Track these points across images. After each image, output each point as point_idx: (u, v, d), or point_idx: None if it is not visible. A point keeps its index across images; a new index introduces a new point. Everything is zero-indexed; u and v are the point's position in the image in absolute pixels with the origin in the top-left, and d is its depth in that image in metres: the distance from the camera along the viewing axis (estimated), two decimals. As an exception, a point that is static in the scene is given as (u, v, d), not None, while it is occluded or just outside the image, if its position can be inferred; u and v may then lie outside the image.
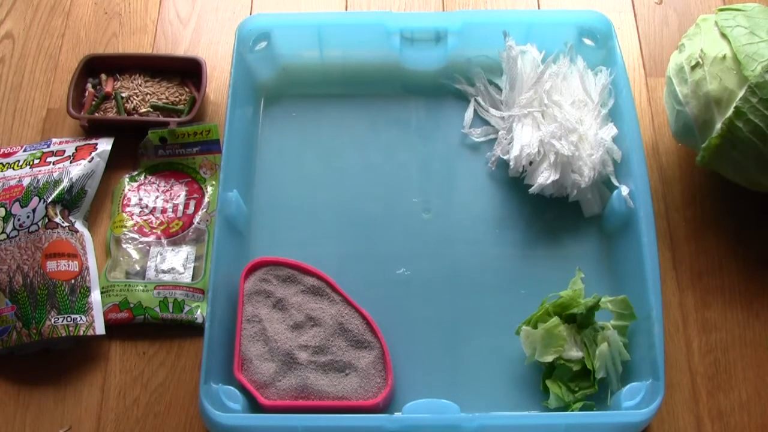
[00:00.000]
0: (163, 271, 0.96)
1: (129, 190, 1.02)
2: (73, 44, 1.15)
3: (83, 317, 0.91)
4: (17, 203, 0.97)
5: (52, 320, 0.90)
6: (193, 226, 0.99)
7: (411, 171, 1.02)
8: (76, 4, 1.19)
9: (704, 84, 0.90)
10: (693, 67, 0.92)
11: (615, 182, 0.95)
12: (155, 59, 1.10)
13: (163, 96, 1.06)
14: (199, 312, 0.93)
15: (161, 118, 1.05)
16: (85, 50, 1.15)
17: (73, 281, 0.93)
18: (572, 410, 0.84)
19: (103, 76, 1.08)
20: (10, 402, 0.90)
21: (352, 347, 0.89)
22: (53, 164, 1.00)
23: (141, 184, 1.02)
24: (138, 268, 0.96)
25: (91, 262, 0.95)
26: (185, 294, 0.94)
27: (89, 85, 1.08)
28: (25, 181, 0.99)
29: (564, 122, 0.96)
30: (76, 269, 0.94)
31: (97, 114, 1.06)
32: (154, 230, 0.98)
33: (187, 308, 0.93)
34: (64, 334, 0.90)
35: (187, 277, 0.96)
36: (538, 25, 1.06)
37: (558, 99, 0.98)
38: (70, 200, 0.98)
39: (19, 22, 1.18)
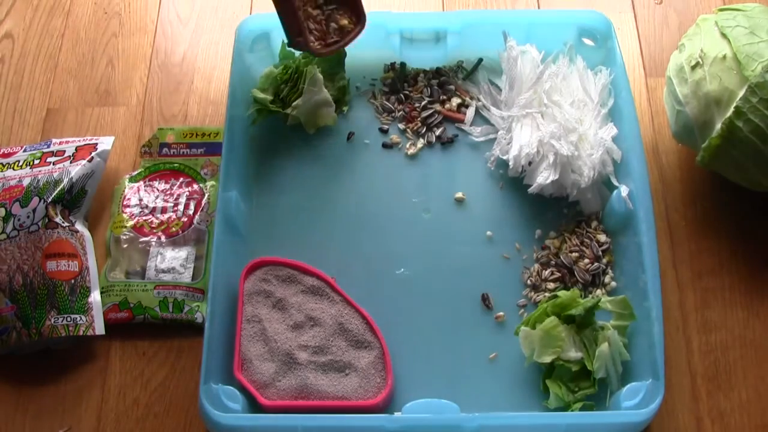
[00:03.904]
0: (163, 271, 0.96)
1: (129, 190, 1.02)
2: (73, 44, 1.16)
3: (83, 317, 0.91)
4: (17, 203, 0.97)
5: (52, 320, 0.90)
6: (193, 226, 0.99)
7: (411, 171, 1.02)
8: (76, 4, 1.19)
9: (704, 84, 0.90)
10: (693, 67, 0.92)
11: (615, 182, 0.95)
12: None
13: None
14: (199, 312, 0.93)
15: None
16: (84, 50, 1.15)
17: (73, 281, 0.93)
18: (572, 410, 0.84)
19: None
20: (10, 402, 0.90)
21: (352, 347, 0.89)
22: (53, 164, 1.00)
23: (141, 184, 1.02)
24: (138, 268, 0.96)
25: (91, 262, 0.95)
26: (185, 294, 0.94)
27: None
28: (25, 181, 0.99)
29: (564, 122, 0.96)
30: (76, 269, 0.94)
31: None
32: (154, 230, 0.98)
33: (187, 308, 0.93)
34: (64, 334, 0.90)
35: (187, 277, 0.96)
36: (537, 25, 1.06)
37: (558, 99, 0.98)
38: (70, 200, 0.98)
39: (19, 22, 1.18)
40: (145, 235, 0.98)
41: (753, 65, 0.87)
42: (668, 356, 0.89)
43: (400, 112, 1.05)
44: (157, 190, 1.02)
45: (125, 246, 0.97)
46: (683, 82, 0.93)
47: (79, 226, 0.97)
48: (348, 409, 0.85)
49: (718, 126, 0.89)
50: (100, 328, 0.91)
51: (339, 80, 1.06)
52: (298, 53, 1.06)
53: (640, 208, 0.90)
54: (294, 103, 1.03)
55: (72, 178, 0.98)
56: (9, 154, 1.04)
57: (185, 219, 0.99)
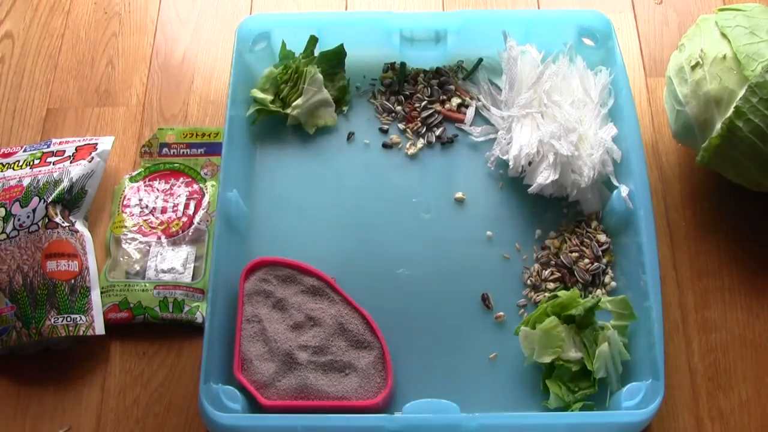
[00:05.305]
0: (163, 271, 0.96)
1: (129, 190, 1.02)
2: (73, 44, 1.16)
3: (83, 317, 0.91)
4: (17, 203, 0.97)
5: (52, 320, 0.90)
6: (194, 226, 0.99)
7: (411, 171, 1.02)
8: (76, 4, 1.19)
9: (704, 84, 0.90)
10: (693, 67, 0.92)
11: (615, 182, 0.95)
12: None
13: None
14: (199, 312, 0.93)
15: None
16: (84, 50, 1.15)
17: (73, 281, 0.93)
18: (572, 410, 0.84)
19: None
20: (10, 402, 0.90)
21: (352, 347, 0.89)
22: (53, 164, 1.00)
23: (141, 184, 1.02)
24: (138, 268, 0.96)
25: (91, 262, 0.95)
26: (185, 294, 0.94)
27: None
28: (25, 181, 0.99)
29: (564, 122, 0.96)
30: (76, 269, 0.94)
31: None
32: (154, 230, 0.98)
33: (187, 308, 0.93)
34: (63, 334, 0.90)
35: (187, 277, 0.96)
36: (537, 25, 1.06)
37: (558, 99, 0.98)
38: (70, 200, 0.98)
39: (19, 22, 1.18)
40: (145, 235, 0.98)
41: (753, 65, 0.87)
42: (668, 356, 0.89)
43: (400, 112, 1.06)
44: (157, 190, 1.02)
45: (125, 246, 0.97)
46: (683, 82, 0.93)
47: (79, 226, 0.97)
48: (348, 409, 0.85)
49: (718, 126, 0.89)
50: (100, 328, 0.91)
51: (339, 80, 1.06)
52: (298, 53, 1.06)
53: (640, 208, 0.90)
54: (294, 103, 1.03)
55: (72, 178, 0.98)
56: (9, 154, 1.04)
57: (185, 219, 0.99)
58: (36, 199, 0.97)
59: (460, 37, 1.06)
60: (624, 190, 0.93)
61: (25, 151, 1.04)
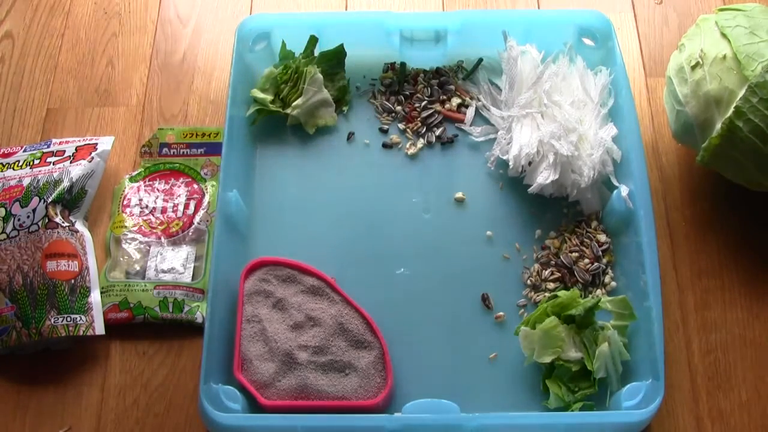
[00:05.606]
0: (163, 271, 0.96)
1: (129, 190, 1.02)
2: (73, 44, 1.16)
3: (83, 317, 0.91)
4: (17, 203, 0.97)
5: (52, 320, 0.90)
6: (194, 226, 0.99)
7: (411, 171, 1.02)
8: (76, 4, 1.19)
9: (704, 84, 0.90)
10: (693, 67, 0.92)
11: (615, 182, 0.95)
12: None
13: None
14: (199, 312, 0.93)
15: None
16: (84, 50, 1.15)
17: (73, 281, 0.93)
18: (572, 410, 0.84)
19: None
20: (10, 402, 0.90)
21: (351, 347, 0.89)
22: (53, 164, 1.00)
23: (141, 184, 1.02)
24: (138, 268, 0.96)
25: (91, 262, 0.95)
26: (185, 294, 0.94)
27: None
28: (25, 181, 0.99)
29: (564, 122, 0.96)
30: (76, 269, 0.94)
31: None
32: (154, 230, 0.98)
33: (187, 308, 0.93)
34: (63, 334, 0.90)
35: (187, 277, 0.96)
36: (537, 25, 1.06)
37: (558, 99, 0.99)
38: (70, 200, 0.98)
39: (19, 22, 1.18)
40: (145, 235, 0.98)
41: (753, 65, 0.87)
42: (668, 356, 0.89)
43: (400, 112, 1.06)
44: (157, 190, 1.02)
45: (125, 246, 0.97)
46: (683, 82, 0.93)
47: (79, 226, 0.97)
48: (348, 409, 0.85)
49: (718, 126, 0.89)
50: (100, 328, 0.91)
51: (339, 80, 1.06)
52: (298, 53, 1.06)
53: (640, 208, 0.90)
54: (294, 103, 1.03)
55: (72, 178, 0.98)
56: (9, 154, 1.04)
57: (185, 219, 0.99)
58: (36, 199, 0.97)
59: (460, 37, 1.06)
60: (624, 190, 0.93)
61: (25, 151, 1.04)
